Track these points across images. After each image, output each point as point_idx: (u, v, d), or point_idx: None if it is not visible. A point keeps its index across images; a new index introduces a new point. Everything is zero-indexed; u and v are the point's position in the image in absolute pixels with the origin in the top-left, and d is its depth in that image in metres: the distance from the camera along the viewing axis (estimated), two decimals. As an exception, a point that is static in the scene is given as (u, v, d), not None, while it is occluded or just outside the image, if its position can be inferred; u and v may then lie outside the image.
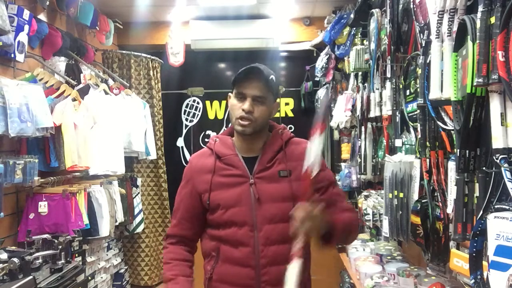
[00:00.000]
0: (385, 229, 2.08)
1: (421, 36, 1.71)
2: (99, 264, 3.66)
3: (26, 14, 2.93)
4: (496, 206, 1.10)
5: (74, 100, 3.31)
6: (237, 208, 1.59)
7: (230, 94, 1.69)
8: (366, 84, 2.96)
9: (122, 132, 3.90)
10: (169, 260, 1.69)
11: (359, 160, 2.98)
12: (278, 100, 1.73)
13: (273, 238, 1.56)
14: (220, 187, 1.62)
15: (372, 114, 2.64)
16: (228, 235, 1.60)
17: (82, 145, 3.26)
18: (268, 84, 1.61)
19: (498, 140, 1.08)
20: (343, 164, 3.78)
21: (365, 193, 2.90)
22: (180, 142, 5.73)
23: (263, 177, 1.61)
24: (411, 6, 1.82)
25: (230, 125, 1.71)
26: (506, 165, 1.07)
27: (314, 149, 1.40)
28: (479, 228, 1.13)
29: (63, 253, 2.73)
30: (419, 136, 1.73)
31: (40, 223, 3.00)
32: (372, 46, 2.56)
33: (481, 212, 1.15)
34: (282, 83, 5.41)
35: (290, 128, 5.08)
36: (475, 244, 1.14)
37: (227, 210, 1.60)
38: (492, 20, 1.07)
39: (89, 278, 3.20)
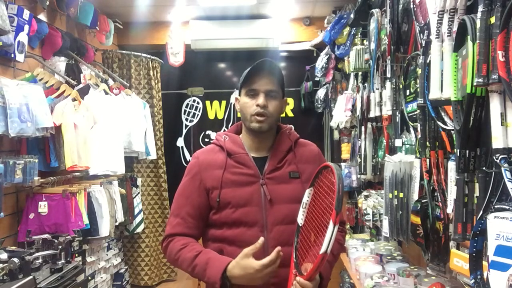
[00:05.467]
0: (385, 229, 2.08)
1: (421, 36, 1.71)
2: (99, 264, 3.66)
3: (26, 14, 2.93)
4: (496, 206, 1.10)
5: (74, 100, 3.31)
6: (248, 207, 1.54)
7: (237, 97, 1.66)
8: (366, 84, 2.96)
9: (122, 132, 3.90)
10: (181, 246, 1.54)
11: (359, 160, 2.98)
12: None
13: (283, 239, 1.50)
14: (230, 185, 1.56)
15: (372, 114, 2.63)
16: (235, 236, 1.53)
17: (82, 145, 3.26)
18: (278, 77, 1.59)
19: (498, 140, 1.08)
20: (343, 164, 3.78)
21: (365, 193, 2.90)
22: (180, 142, 5.74)
23: (273, 178, 1.57)
24: (411, 6, 1.82)
25: (230, 125, 1.69)
26: (506, 165, 1.06)
27: (328, 237, 1.24)
28: (479, 228, 1.13)
29: (63, 253, 2.73)
30: (419, 136, 1.73)
31: (40, 223, 3.00)
32: (372, 46, 2.56)
33: (481, 212, 1.15)
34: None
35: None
36: (475, 244, 1.14)
37: (237, 209, 1.54)
38: (492, 20, 1.07)
39: (89, 278, 3.20)
